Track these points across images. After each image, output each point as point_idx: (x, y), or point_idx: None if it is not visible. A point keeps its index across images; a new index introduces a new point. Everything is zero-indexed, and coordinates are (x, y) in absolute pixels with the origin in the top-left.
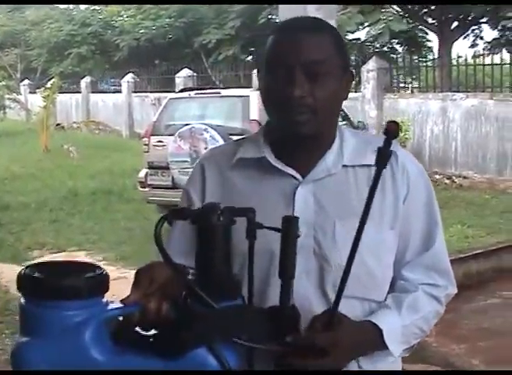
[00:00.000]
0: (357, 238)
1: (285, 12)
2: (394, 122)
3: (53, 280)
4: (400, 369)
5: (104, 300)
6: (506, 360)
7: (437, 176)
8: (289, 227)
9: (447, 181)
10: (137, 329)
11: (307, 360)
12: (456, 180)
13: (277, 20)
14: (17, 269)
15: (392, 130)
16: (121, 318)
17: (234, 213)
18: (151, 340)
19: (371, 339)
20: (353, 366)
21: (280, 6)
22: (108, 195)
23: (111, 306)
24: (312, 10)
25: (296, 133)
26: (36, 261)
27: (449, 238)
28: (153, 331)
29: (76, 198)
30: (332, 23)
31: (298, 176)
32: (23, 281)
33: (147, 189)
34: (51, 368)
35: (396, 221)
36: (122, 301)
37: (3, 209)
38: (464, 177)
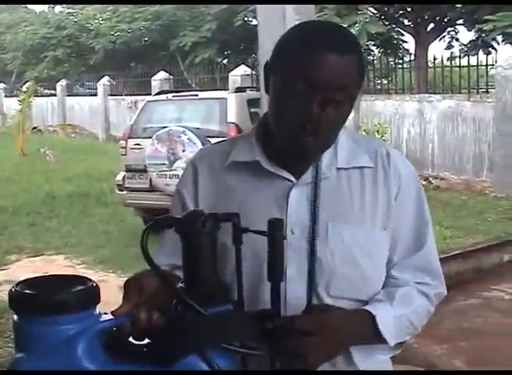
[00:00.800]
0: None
1: (263, 13)
2: None
3: (44, 295)
4: (390, 369)
5: (97, 312)
6: (486, 360)
7: None
8: (274, 230)
9: (424, 183)
10: (130, 339)
11: (291, 343)
12: (433, 182)
13: (254, 22)
14: None
15: None
16: (114, 329)
17: (218, 219)
18: (144, 349)
19: (365, 326)
20: (345, 362)
21: (258, 7)
22: (86, 199)
23: (103, 318)
24: (290, 10)
25: (298, 152)
26: (15, 265)
27: None
28: (146, 341)
29: (54, 201)
30: None
31: (292, 178)
32: (14, 299)
33: (124, 192)
34: None
35: (388, 221)
36: (113, 312)
37: None
38: (441, 179)
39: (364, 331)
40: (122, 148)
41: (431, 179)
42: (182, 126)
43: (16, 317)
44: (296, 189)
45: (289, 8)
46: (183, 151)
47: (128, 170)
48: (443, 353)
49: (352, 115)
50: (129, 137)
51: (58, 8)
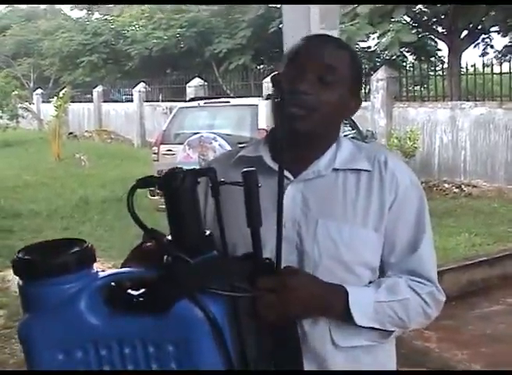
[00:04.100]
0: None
1: (288, 14)
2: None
3: (44, 260)
4: (393, 362)
5: (94, 270)
6: (508, 366)
7: (446, 185)
8: (248, 180)
9: (456, 190)
10: (129, 291)
11: (260, 302)
12: (465, 189)
13: (281, 25)
14: None
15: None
16: (113, 284)
17: (196, 174)
18: (140, 299)
19: (336, 299)
20: (327, 341)
21: (284, 7)
22: (119, 203)
23: (101, 275)
24: (315, 18)
25: (292, 128)
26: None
27: (456, 246)
28: (142, 291)
29: (87, 206)
30: (335, 33)
31: (290, 176)
32: (17, 265)
33: (156, 197)
34: (52, 339)
35: (380, 224)
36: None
37: (15, 217)
38: (474, 186)
39: (334, 303)
40: (155, 153)
41: (463, 186)
42: (213, 133)
43: (20, 282)
44: (292, 186)
45: (313, 16)
46: None
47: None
48: (464, 358)
49: (384, 121)
50: (162, 143)
51: (95, 15)
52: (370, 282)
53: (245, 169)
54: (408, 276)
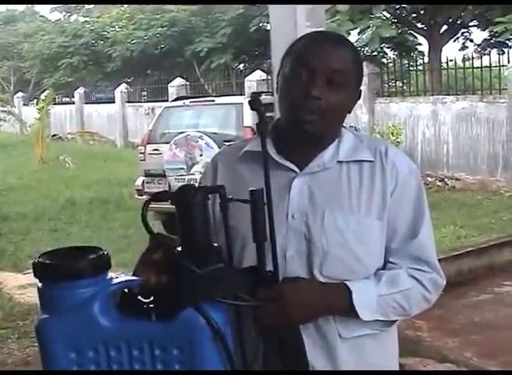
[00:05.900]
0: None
1: (275, 20)
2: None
3: (63, 264)
4: (396, 345)
5: (109, 276)
6: (496, 352)
7: (429, 179)
8: (255, 198)
9: (439, 183)
10: (139, 298)
11: (261, 312)
12: (448, 182)
13: (269, 27)
14: (18, 277)
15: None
16: (126, 290)
17: (207, 191)
18: (150, 306)
19: (339, 298)
20: (333, 333)
21: (270, 14)
22: (105, 204)
23: (115, 281)
24: (301, 17)
25: (302, 132)
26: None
27: (441, 238)
28: (152, 298)
29: (74, 207)
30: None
31: (296, 169)
32: (37, 269)
33: (144, 197)
34: (66, 339)
35: (383, 213)
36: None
37: (2, 220)
38: (456, 179)
39: (338, 303)
40: (141, 153)
41: (446, 179)
42: (199, 131)
43: (40, 284)
44: (298, 179)
45: (300, 14)
46: (201, 155)
47: (147, 175)
48: (455, 346)
49: (367, 117)
50: (148, 143)
51: (73, 16)
52: (376, 269)
53: (252, 189)
54: (409, 264)
